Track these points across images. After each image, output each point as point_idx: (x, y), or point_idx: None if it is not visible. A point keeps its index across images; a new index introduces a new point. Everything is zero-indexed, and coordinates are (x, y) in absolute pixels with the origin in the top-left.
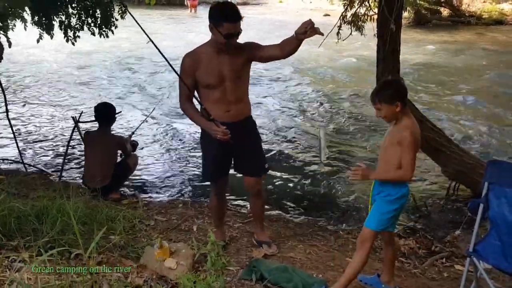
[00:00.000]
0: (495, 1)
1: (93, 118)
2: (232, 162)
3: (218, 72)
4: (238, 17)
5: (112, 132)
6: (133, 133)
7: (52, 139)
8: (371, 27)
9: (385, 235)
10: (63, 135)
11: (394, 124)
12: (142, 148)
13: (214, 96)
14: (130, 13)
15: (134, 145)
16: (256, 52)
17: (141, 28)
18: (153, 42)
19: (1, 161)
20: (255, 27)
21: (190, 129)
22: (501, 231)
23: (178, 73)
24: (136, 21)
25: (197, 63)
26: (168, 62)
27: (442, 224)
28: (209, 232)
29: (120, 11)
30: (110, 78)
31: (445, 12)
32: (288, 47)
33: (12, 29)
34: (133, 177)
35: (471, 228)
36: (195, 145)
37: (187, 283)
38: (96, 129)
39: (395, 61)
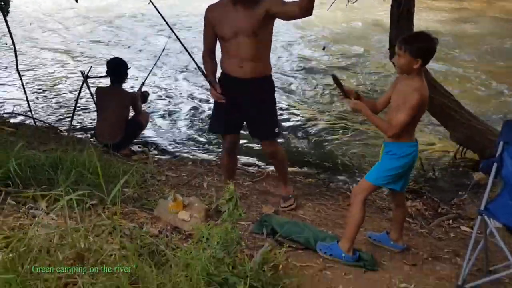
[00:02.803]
0: None
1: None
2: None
3: (232, 25)
4: None
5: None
6: (142, 84)
7: (61, 93)
8: None
9: (395, 197)
10: (73, 90)
11: (403, 79)
12: (149, 106)
13: (229, 49)
14: None
15: (145, 96)
16: (274, 7)
17: None
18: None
19: (11, 114)
20: None
21: (197, 88)
22: None
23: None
24: None
25: (216, 14)
26: (168, 24)
27: (449, 187)
28: (224, 186)
29: None
30: (116, 35)
31: None
32: (303, 3)
33: None
34: (142, 134)
35: (477, 192)
36: (202, 104)
37: (204, 231)
38: (107, 85)
39: (409, 24)
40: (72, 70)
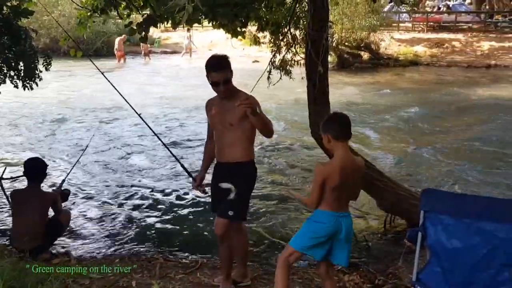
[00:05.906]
0: (409, 44)
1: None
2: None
3: (215, 116)
4: (221, 67)
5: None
6: (63, 181)
7: None
8: (298, 72)
9: (320, 269)
10: None
11: None
12: (73, 203)
13: (215, 136)
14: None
15: (67, 194)
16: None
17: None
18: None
19: None
20: (185, 76)
21: (119, 180)
22: (440, 258)
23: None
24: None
25: (210, 105)
26: (132, 107)
27: (383, 256)
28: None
29: (44, 63)
30: (33, 130)
31: (365, 55)
32: (262, 132)
33: None
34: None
35: (411, 258)
36: (125, 195)
37: None
38: (25, 186)
39: (325, 101)
40: None
